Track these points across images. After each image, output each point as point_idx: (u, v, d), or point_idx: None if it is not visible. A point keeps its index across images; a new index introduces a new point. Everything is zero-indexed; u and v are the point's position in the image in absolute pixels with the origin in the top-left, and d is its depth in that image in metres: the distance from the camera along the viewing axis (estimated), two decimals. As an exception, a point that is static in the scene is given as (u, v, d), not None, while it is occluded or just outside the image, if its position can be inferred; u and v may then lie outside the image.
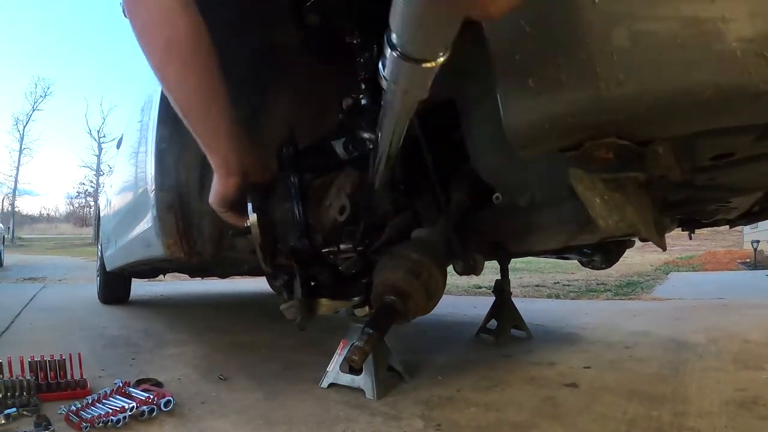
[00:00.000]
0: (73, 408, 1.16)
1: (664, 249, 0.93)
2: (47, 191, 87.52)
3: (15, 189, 34.64)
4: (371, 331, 0.96)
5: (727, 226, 1.86)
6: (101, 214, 3.84)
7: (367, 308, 1.24)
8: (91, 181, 36.65)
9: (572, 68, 0.53)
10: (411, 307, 0.99)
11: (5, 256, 10.80)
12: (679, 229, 1.75)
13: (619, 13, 0.53)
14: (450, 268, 1.08)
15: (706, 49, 0.51)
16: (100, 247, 3.84)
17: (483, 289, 4.52)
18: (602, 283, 5.21)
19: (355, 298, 1.23)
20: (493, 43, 0.58)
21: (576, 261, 2.19)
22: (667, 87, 0.52)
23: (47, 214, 48.49)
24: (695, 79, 0.51)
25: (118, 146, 3.06)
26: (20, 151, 34.56)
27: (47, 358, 1.38)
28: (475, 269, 1.04)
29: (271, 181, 1.15)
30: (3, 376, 1.33)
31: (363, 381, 1.33)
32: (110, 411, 1.14)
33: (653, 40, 0.52)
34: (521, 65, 0.56)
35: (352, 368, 0.95)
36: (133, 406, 1.15)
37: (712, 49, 0.51)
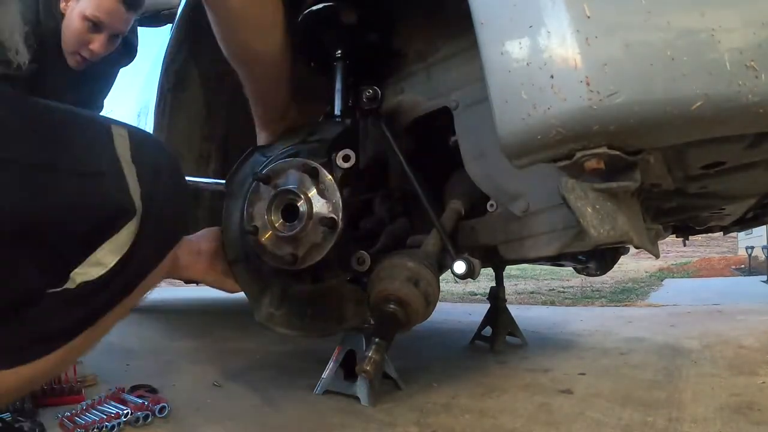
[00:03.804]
0: (68, 414, 1.15)
1: (658, 256, 0.94)
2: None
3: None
4: (378, 340, 0.98)
5: (722, 233, 1.87)
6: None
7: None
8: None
9: (564, 80, 0.54)
10: (411, 315, 1.01)
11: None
12: (674, 235, 1.76)
13: (611, 25, 0.54)
14: (445, 275, 1.09)
15: (695, 60, 0.52)
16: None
17: (478, 296, 4.53)
18: (597, 290, 5.23)
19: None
20: (487, 55, 0.59)
21: (571, 268, 2.20)
22: (658, 98, 0.53)
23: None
24: (685, 91, 0.52)
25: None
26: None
27: (42, 365, 1.37)
28: (473, 273, 1.05)
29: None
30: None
31: (358, 388, 1.33)
32: (105, 417, 1.13)
33: (644, 51, 0.53)
34: (514, 77, 0.57)
35: (350, 376, 0.97)
36: (128, 412, 1.15)
37: (702, 60, 0.52)
